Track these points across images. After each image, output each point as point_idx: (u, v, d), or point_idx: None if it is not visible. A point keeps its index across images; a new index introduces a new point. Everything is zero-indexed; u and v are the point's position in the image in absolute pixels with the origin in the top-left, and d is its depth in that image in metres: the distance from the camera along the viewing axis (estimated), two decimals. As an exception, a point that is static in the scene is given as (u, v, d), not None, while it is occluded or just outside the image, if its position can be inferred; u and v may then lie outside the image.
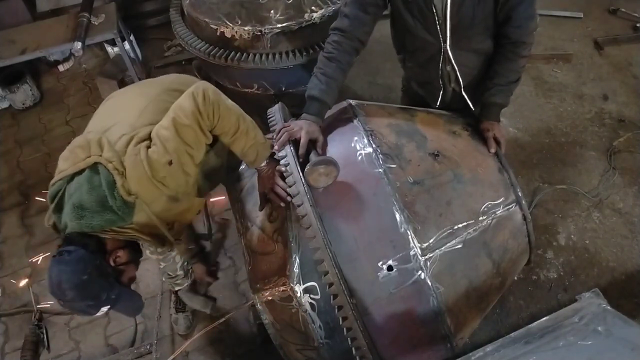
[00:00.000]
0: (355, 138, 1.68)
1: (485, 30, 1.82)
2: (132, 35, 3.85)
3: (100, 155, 1.39)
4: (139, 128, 1.45)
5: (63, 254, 1.38)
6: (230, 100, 1.50)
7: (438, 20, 1.74)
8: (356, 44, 1.77)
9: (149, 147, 1.40)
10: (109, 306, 1.44)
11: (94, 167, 1.40)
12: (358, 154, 1.64)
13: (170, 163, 1.39)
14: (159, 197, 1.45)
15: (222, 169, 1.83)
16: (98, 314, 1.45)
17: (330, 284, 1.41)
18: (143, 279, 2.64)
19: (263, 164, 1.63)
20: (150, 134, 1.43)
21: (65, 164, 1.45)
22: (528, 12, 1.73)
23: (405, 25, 1.83)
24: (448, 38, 1.80)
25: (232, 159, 1.89)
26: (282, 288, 1.54)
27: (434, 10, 1.71)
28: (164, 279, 2.43)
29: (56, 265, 1.39)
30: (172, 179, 1.43)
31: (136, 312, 1.63)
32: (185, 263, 2.34)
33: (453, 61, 1.89)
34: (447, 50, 1.85)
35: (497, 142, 1.82)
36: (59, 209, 1.44)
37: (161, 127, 1.41)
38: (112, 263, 1.47)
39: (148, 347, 2.37)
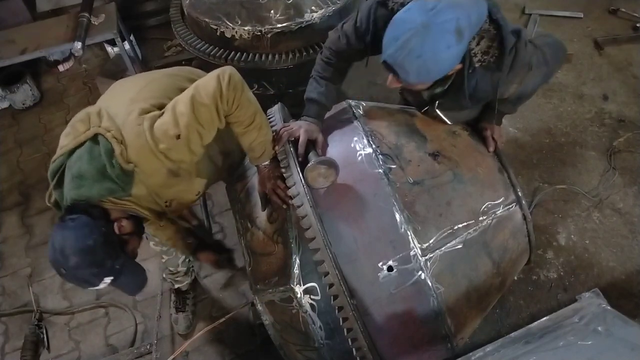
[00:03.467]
0: (355, 138, 1.68)
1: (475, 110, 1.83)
2: (132, 35, 3.85)
3: (100, 126, 1.38)
4: (138, 101, 1.44)
5: (66, 221, 1.36)
6: (251, 93, 1.50)
7: (425, 105, 1.78)
8: (354, 54, 1.75)
9: (157, 117, 1.39)
10: (112, 277, 1.40)
11: (95, 138, 1.39)
12: (358, 154, 1.64)
13: (178, 137, 1.37)
14: (159, 169, 1.44)
15: (228, 157, 1.83)
16: (100, 285, 1.41)
17: (331, 285, 1.41)
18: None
19: (265, 163, 1.63)
20: (151, 107, 1.43)
21: (66, 139, 1.44)
22: (548, 78, 1.69)
23: None
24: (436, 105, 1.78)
25: (234, 157, 1.89)
26: (282, 289, 1.54)
27: (422, 99, 1.74)
28: (164, 276, 2.43)
29: (60, 230, 1.36)
30: (175, 153, 1.41)
31: (139, 287, 1.56)
32: (188, 260, 2.33)
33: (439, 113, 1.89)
34: (433, 108, 1.81)
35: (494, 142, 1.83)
36: (60, 184, 1.43)
37: (179, 101, 1.40)
38: (116, 231, 1.46)
39: (148, 347, 2.37)
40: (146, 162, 1.39)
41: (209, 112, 1.40)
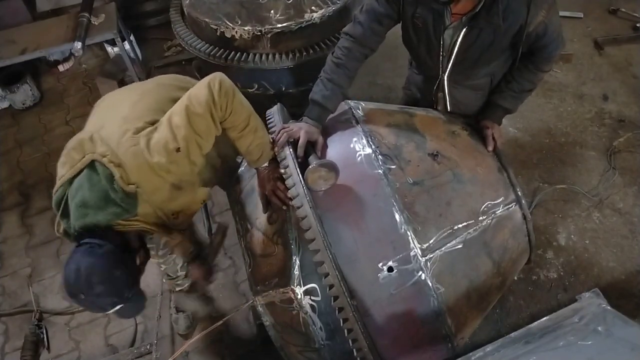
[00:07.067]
0: (355, 139, 1.68)
1: (485, 69, 1.83)
2: (132, 35, 3.85)
3: (95, 152, 1.38)
4: (132, 120, 1.43)
5: (94, 246, 1.35)
6: (243, 96, 1.50)
7: (443, 53, 1.74)
8: (367, 51, 1.77)
9: (152, 133, 1.38)
10: (122, 305, 1.41)
11: (92, 165, 1.38)
12: (357, 155, 1.63)
13: (178, 150, 1.37)
14: (161, 186, 1.44)
15: (227, 162, 1.83)
16: (109, 312, 1.41)
17: (331, 286, 1.41)
18: (143, 279, 2.62)
19: (264, 165, 1.62)
20: (145, 124, 1.41)
21: (63, 169, 1.43)
22: (558, 46, 1.74)
23: (410, 43, 1.83)
24: (447, 70, 1.81)
25: (231, 160, 1.89)
26: (282, 290, 1.54)
27: (442, 43, 1.70)
28: (164, 280, 2.43)
29: (86, 256, 1.34)
30: (177, 166, 1.41)
31: (138, 313, 1.59)
32: (186, 264, 2.33)
33: (446, 91, 1.91)
34: (443, 79, 1.87)
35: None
36: (66, 214, 1.42)
37: (173, 114, 1.40)
38: (137, 261, 1.48)
39: (148, 347, 2.37)
40: (148, 181, 1.39)
41: (205, 121, 1.39)
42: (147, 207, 1.46)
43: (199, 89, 1.40)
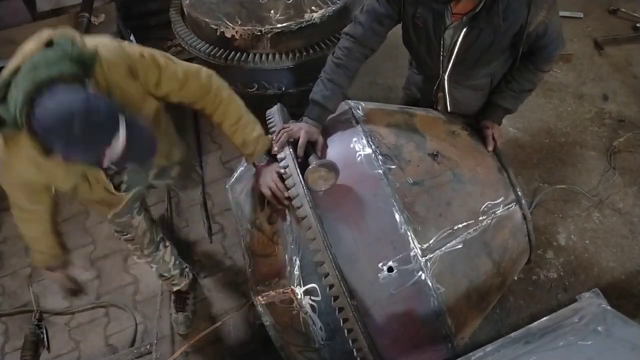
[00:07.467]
0: (355, 139, 1.68)
1: (486, 69, 1.83)
2: (132, 35, 3.84)
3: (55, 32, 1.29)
4: None
5: (54, 91, 1.14)
6: (235, 94, 1.58)
7: (443, 53, 1.74)
8: (367, 51, 1.77)
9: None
10: (127, 123, 1.17)
11: (49, 45, 1.24)
12: (357, 155, 1.63)
13: (142, 56, 1.42)
14: (119, 63, 1.35)
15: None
16: (120, 137, 1.15)
17: (331, 286, 1.41)
18: (143, 279, 2.65)
19: (262, 162, 1.62)
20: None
21: (13, 61, 1.29)
22: (558, 46, 1.74)
23: (410, 43, 1.83)
24: (448, 70, 1.81)
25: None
26: (282, 290, 1.54)
27: (442, 43, 1.70)
28: (160, 282, 2.43)
29: (66, 88, 1.16)
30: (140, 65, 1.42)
31: (153, 145, 1.34)
32: (178, 262, 2.32)
33: (446, 91, 1.91)
34: (443, 79, 1.87)
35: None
36: (3, 99, 1.21)
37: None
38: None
39: (148, 347, 2.37)
40: (108, 54, 1.33)
41: (176, 72, 1.45)
42: (100, 80, 1.33)
43: (191, 64, 1.50)
